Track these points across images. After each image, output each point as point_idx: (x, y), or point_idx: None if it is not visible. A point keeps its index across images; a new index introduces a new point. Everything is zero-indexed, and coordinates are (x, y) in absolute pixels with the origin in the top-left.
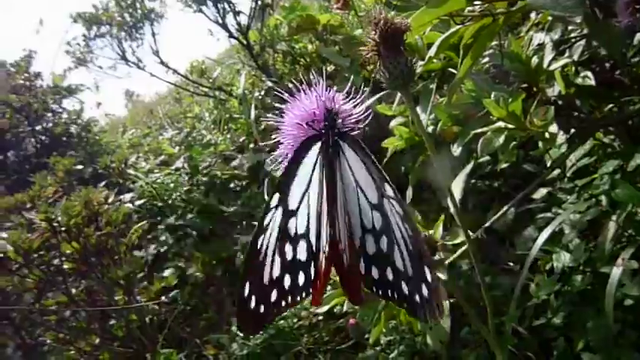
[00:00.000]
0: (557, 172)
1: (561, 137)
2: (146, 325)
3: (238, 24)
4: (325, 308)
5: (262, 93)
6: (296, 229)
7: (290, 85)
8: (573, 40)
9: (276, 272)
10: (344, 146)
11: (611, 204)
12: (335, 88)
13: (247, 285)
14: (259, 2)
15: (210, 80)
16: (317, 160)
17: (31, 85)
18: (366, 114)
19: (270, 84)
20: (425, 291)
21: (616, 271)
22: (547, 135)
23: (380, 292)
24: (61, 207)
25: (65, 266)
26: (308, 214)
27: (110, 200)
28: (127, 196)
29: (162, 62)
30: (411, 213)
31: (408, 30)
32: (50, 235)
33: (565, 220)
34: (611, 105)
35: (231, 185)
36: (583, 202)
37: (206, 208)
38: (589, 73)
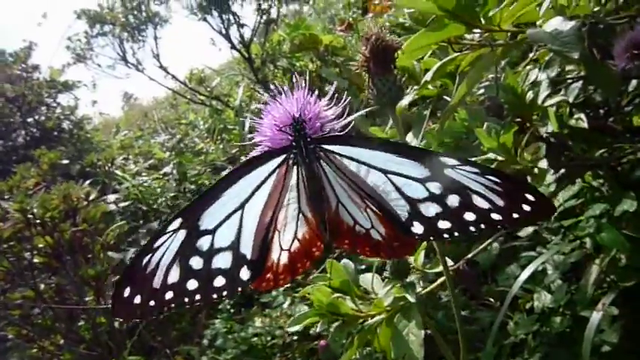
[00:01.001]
0: None
1: (550, 177)
2: (115, 330)
3: (241, 36)
4: (297, 328)
5: (259, 106)
6: (212, 245)
7: (272, 87)
8: (569, 80)
9: (173, 279)
10: (332, 147)
11: (596, 248)
12: (316, 92)
13: (128, 290)
14: (264, 17)
15: (209, 89)
16: (273, 175)
17: (27, 76)
18: (347, 119)
19: (267, 98)
20: (527, 207)
21: (596, 316)
22: (536, 170)
23: (457, 233)
24: (38, 199)
25: (36, 260)
26: (239, 229)
27: (92, 198)
28: (112, 197)
29: (161, 66)
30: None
31: (399, 48)
32: (23, 227)
33: (548, 260)
34: (602, 150)
35: None
36: (568, 243)
37: None
38: (582, 116)
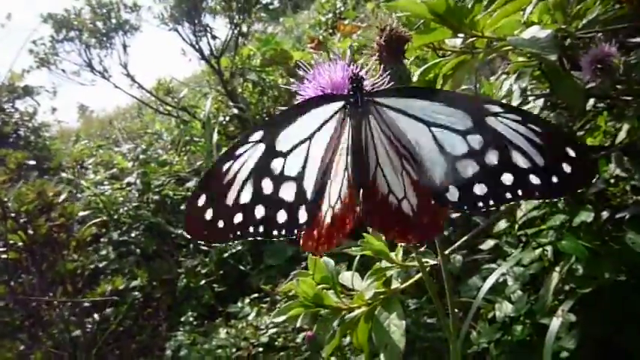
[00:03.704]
0: (504, 225)
1: None
2: (84, 334)
3: (211, 49)
4: (281, 319)
5: (227, 119)
6: (282, 170)
7: (316, 58)
8: (532, 97)
9: (245, 199)
10: (384, 101)
11: (555, 257)
12: (361, 61)
13: (203, 198)
14: (236, 31)
15: (176, 100)
16: (334, 117)
17: None
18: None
19: (235, 111)
20: (567, 168)
21: (555, 323)
22: None
23: (492, 201)
24: (14, 192)
25: (8, 256)
26: (305, 160)
27: (62, 197)
28: None
29: (128, 75)
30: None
31: (410, 40)
32: None
33: (508, 272)
34: None
35: (182, 207)
36: (529, 252)
37: (153, 227)
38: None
